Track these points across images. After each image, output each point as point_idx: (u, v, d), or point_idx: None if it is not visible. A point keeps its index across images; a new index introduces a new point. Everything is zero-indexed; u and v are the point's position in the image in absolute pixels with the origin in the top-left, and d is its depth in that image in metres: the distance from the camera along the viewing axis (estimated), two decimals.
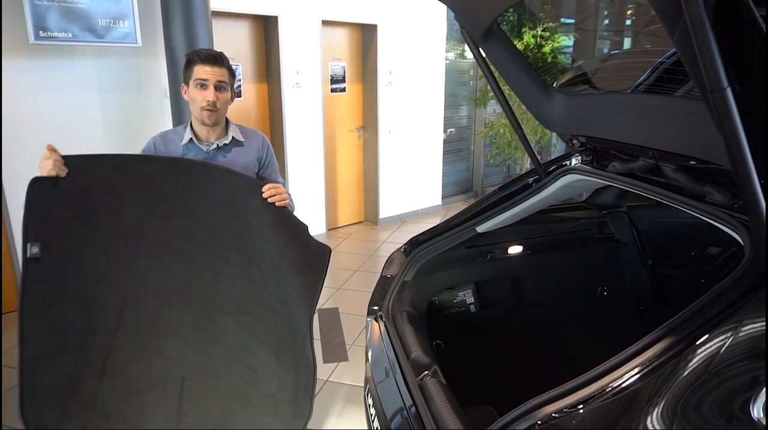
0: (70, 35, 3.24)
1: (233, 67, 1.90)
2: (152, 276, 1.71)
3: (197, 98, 1.81)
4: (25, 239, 1.52)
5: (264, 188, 1.75)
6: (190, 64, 1.83)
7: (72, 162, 1.59)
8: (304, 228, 1.86)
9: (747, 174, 0.95)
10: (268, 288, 1.80)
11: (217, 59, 1.82)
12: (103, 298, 1.65)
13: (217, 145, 1.89)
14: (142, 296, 1.70)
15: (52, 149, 1.56)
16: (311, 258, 1.87)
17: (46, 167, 1.54)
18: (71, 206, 1.60)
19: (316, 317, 2.03)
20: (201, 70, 1.80)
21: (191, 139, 1.88)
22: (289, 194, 1.97)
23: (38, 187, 1.54)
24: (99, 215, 1.64)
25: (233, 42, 4.53)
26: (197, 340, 1.75)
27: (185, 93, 1.87)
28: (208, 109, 1.80)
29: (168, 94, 3.70)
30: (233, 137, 1.92)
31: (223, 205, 1.77)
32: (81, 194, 1.61)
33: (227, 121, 1.95)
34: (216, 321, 1.76)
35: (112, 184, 1.66)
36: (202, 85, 1.80)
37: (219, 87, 1.82)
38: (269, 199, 1.75)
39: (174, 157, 1.84)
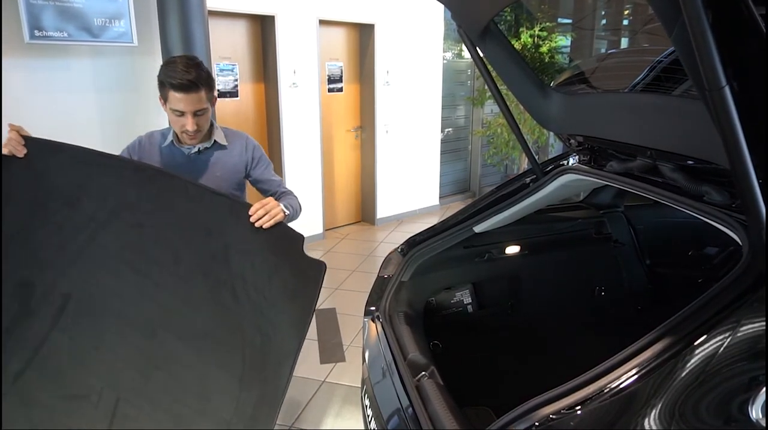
0: (65, 35, 3.22)
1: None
2: (98, 284, 1.58)
3: (175, 123, 1.72)
4: None
5: (251, 211, 1.62)
6: (162, 85, 1.68)
7: (33, 145, 1.50)
8: (298, 242, 1.74)
9: (745, 173, 0.94)
10: (243, 313, 1.67)
11: (191, 85, 1.64)
12: (43, 286, 1.54)
13: (199, 149, 1.82)
14: (85, 299, 1.57)
15: (13, 128, 1.49)
16: (304, 279, 1.76)
17: (3, 140, 1.47)
18: (21, 188, 1.50)
19: (313, 318, 1.97)
20: (175, 99, 1.66)
21: (172, 141, 1.82)
22: (290, 192, 1.89)
23: None
24: (50, 205, 1.53)
25: (230, 42, 4.51)
26: (139, 363, 1.60)
27: (163, 105, 1.74)
28: (189, 136, 1.73)
29: None
30: (216, 141, 1.85)
31: (193, 223, 1.65)
32: (35, 179, 1.52)
33: (211, 124, 1.87)
34: (164, 346, 1.62)
35: (71, 177, 1.56)
36: (179, 114, 1.69)
37: (197, 113, 1.70)
38: (257, 223, 1.62)
39: (144, 163, 1.72)
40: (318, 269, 1.76)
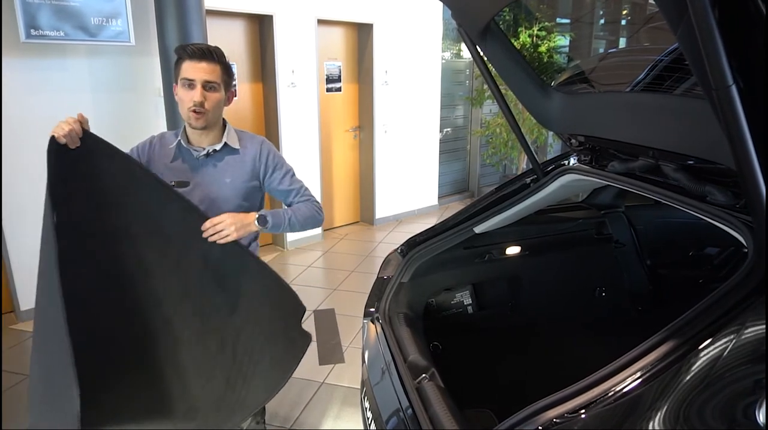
0: (62, 34, 3.20)
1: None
2: (86, 281, 1.52)
3: (184, 98, 1.64)
4: (52, 206, 1.40)
5: (203, 226, 1.56)
6: (178, 60, 1.65)
7: (89, 141, 1.47)
8: (299, 313, 1.74)
9: (751, 174, 0.93)
10: (221, 362, 1.66)
11: (206, 54, 1.62)
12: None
13: (208, 151, 1.73)
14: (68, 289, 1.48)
15: (81, 119, 1.46)
16: (292, 348, 1.75)
17: (61, 130, 1.42)
18: (57, 176, 1.46)
19: (312, 318, 1.95)
20: (188, 68, 1.62)
21: (181, 141, 1.73)
22: (306, 200, 1.80)
23: (56, 150, 1.43)
24: (75, 198, 1.49)
25: (228, 41, 4.49)
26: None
27: (176, 93, 1.70)
28: (194, 111, 1.63)
29: (162, 94, 3.67)
30: (226, 143, 1.74)
31: (213, 270, 1.62)
32: (73, 173, 1.49)
33: (225, 125, 1.78)
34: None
35: (113, 188, 1.53)
36: (189, 84, 1.62)
37: (208, 87, 1.63)
38: (204, 236, 1.56)
39: (192, 204, 1.62)
40: (305, 340, 1.79)
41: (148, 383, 1.63)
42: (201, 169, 1.74)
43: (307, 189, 1.86)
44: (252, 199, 1.83)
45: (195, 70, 1.62)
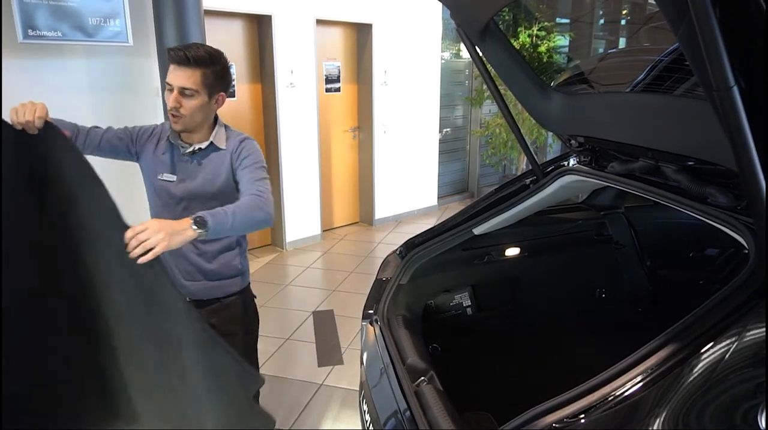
0: (59, 34, 3.18)
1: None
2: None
3: (166, 101, 1.65)
4: None
5: (126, 236, 1.24)
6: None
7: (48, 131, 1.36)
8: (254, 385, 1.53)
9: (753, 176, 0.92)
10: (183, 393, 1.50)
11: (183, 60, 1.59)
12: None
13: (194, 149, 1.74)
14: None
15: (43, 114, 1.34)
16: (244, 423, 1.55)
17: (22, 116, 1.31)
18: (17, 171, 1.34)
19: (310, 319, 1.88)
20: (170, 71, 1.62)
21: (169, 138, 1.75)
22: (257, 193, 1.59)
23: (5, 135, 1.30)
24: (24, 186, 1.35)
25: (226, 41, 4.48)
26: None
27: None
28: (172, 114, 1.64)
29: (160, 94, 3.66)
30: (212, 143, 1.74)
31: (159, 305, 1.42)
32: (25, 165, 1.36)
33: (217, 123, 1.78)
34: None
35: (61, 186, 1.39)
36: (169, 89, 1.63)
37: (184, 93, 1.62)
38: (128, 249, 1.23)
39: (123, 222, 1.33)
40: (266, 425, 1.56)
41: (78, 394, 1.50)
42: (186, 164, 1.76)
43: (265, 184, 1.66)
44: (234, 196, 1.75)
45: (174, 75, 1.62)
